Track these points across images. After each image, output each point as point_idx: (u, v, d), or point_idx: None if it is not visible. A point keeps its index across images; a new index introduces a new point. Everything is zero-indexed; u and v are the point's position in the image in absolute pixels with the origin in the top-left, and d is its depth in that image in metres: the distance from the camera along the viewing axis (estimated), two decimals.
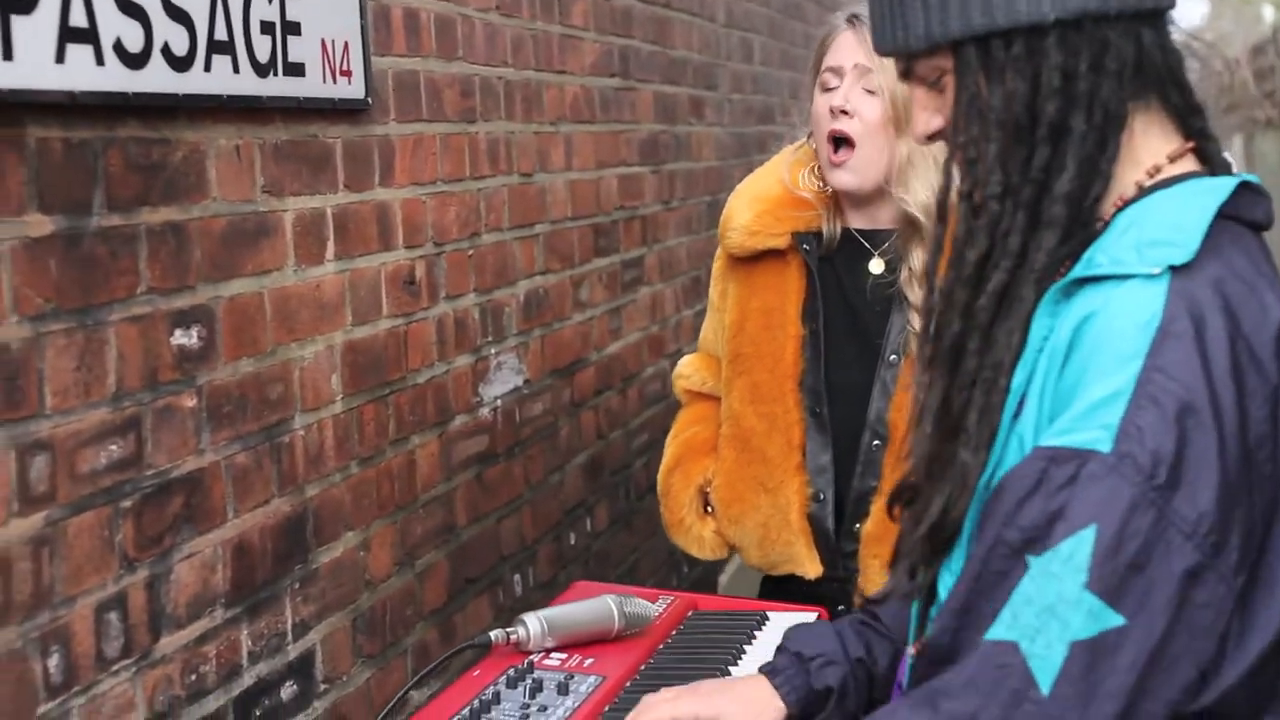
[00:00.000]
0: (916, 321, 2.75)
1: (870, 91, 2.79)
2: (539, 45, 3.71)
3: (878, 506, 2.81)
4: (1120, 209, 1.61)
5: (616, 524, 4.20)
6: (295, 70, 2.52)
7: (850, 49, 2.83)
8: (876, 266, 2.85)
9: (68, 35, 1.95)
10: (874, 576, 2.81)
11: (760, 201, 2.93)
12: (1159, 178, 1.62)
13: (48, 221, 1.95)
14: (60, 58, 1.94)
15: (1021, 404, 1.57)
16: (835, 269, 2.88)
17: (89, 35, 2.00)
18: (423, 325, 3.01)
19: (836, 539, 2.86)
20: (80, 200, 2.02)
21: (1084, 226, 1.60)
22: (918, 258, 2.76)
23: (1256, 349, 1.49)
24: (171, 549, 2.18)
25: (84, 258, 2.02)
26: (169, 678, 2.17)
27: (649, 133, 4.62)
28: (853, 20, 2.87)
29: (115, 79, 2.05)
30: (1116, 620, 1.44)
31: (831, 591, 2.84)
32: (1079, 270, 1.57)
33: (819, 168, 2.91)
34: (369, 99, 2.77)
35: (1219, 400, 1.45)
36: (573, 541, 3.83)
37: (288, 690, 2.48)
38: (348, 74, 2.70)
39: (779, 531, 2.89)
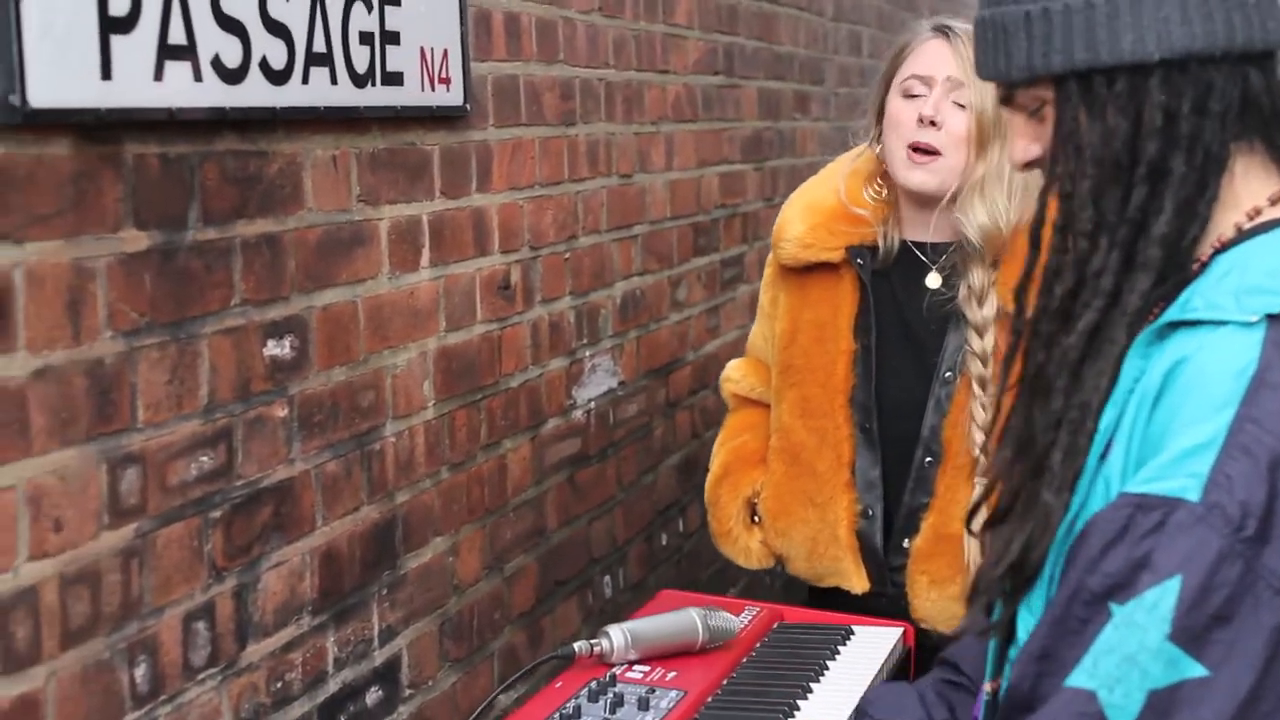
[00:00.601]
0: (975, 341, 2.72)
1: (960, 105, 2.76)
2: (641, 45, 3.71)
3: (929, 523, 2.79)
4: (1219, 251, 1.58)
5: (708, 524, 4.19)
6: (393, 79, 2.53)
7: (942, 59, 2.80)
8: (934, 281, 2.83)
9: (166, 53, 1.97)
10: (922, 593, 2.79)
11: (814, 213, 2.91)
12: (1259, 220, 1.59)
13: (143, 237, 1.98)
14: (159, 75, 1.96)
15: (1109, 445, 1.55)
16: (890, 282, 2.86)
17: (187, 52, 2.02)
18: (517, 329, 3.03)
19: (885, 555, 2.85)
20: (176, 215, 2.04)
21: (1179, 269, 1.58)
22: (976, 276, 2.73)
23: None
24: (260, 558, 2.21)
25: (179, 271, 2.04)
26: (255, 685, 2.20)
27: (752, 130, 4.60)
28: (945, 31, 2.83)
29: (213, 94, 2.08)
30: (1198, 671, 1.42)
31: (880, 606, 2.82)
32: (1174, 314, 1.54)
33: (882, 176, 2.86)
34: (468, 105, 2.78)
35: None
36: (664, 542, 3.84)
37: (373, 695, 2.51)
38: (446, 81, 2.71)
39: (826, 546, 2.88)
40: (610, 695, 2.31)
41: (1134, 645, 1.43)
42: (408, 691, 2.61)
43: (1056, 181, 1.61)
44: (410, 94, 2.59)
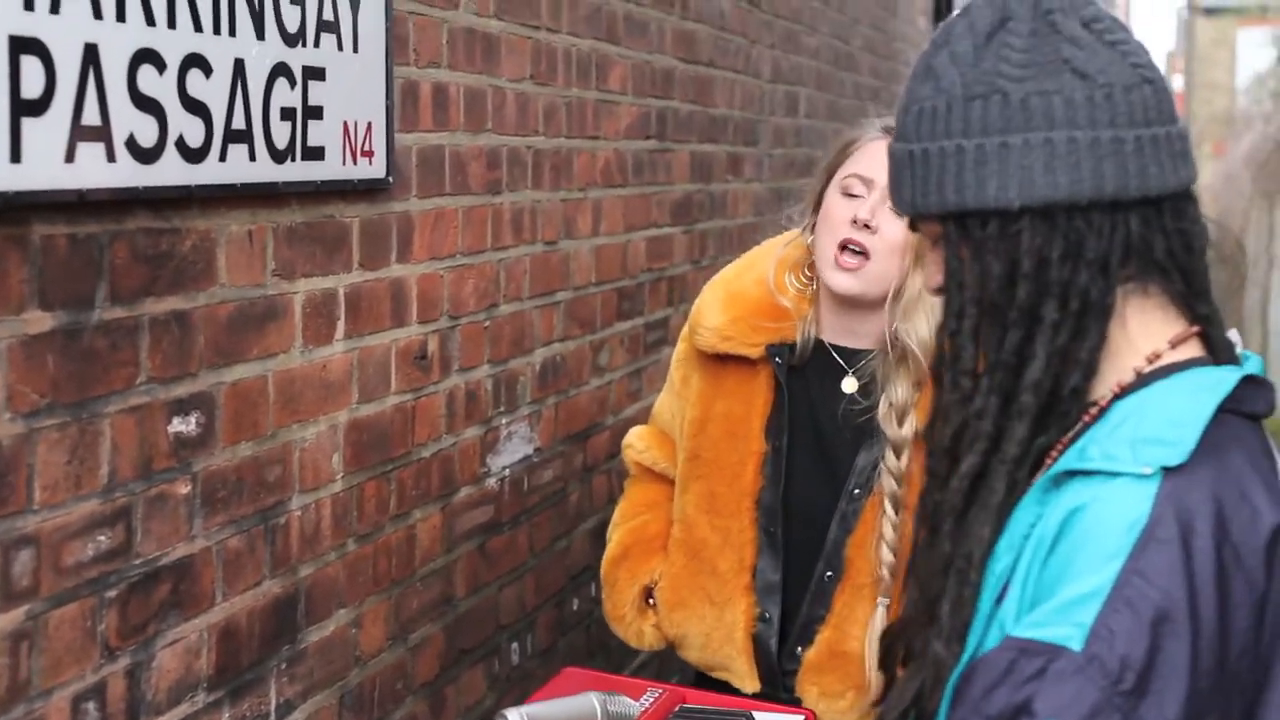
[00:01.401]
0: (891, 459, 2.69)
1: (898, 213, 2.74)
2: (573, 112, 3.72)
3: (823, 637, 2.78)
4: (1118, 396, 1.59)
5: (602, 603, 4.19)
6: (314, 154, 2.53)
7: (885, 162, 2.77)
8: (850, 386, 2.79)
9: (79, 134, 1.97)
10: (811, 703, 2.78)
11: (736, 304, 2.86)
12: (1159, 364, 1.60)
13: (48, 318, 1.97)
14: (70, 157, 1.96)
15: (1005, 589, 1.57)
16: (806, 381, 2.82)
17: (101, 133, 2.02)
18: (432, 399, 3.03)
19: (779, 660, 2.84)
20: (83, 295, 2.04)
21: (1064, 415, 1.59)
22: (900, 391, 2.70)
23: (1244, 557, 1.47)
24: (155, 636, 2.20)
25: (83, 351, 2.04)
26: None
27: (683, 193, 4.62)
28: (891, 133, 2.80)
29: (125, 174, 2.07)
30: None
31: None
32: (1071, 461, 1.55)
33: (810, 267, 2.82)
34: (390, 178, 2.78)
35: (1198, 609, 1.44)
36: (575, 607, 3.83)
37: None
38: (369, 154, 2.71)
39: (721, 644, 2.87)
40: None
41: None
42: None
43: (943, 319, 1.64)
44: (331, 168, 2.59)
